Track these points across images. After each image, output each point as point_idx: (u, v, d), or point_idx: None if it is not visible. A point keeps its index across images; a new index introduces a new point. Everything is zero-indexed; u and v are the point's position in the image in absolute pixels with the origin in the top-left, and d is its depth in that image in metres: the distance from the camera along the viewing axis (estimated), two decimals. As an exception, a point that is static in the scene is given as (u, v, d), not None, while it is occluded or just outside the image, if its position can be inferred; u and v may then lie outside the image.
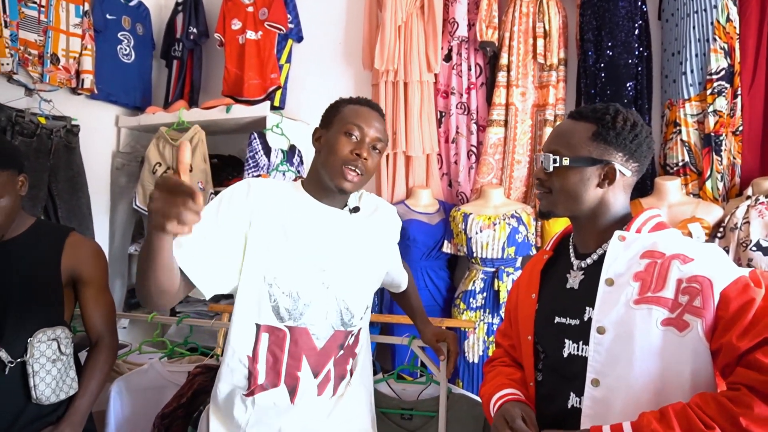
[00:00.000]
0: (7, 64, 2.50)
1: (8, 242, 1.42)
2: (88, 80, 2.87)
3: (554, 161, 1.04)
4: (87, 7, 2.88)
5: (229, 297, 1.31)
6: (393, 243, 1.41)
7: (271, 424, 1.16)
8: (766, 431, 0.78)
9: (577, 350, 1.01)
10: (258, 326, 1.17)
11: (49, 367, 1.37)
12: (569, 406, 1.00)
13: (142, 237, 3.17)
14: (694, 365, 0.90)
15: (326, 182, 1.21)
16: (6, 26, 2.51)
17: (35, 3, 2.65)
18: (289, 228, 1.19)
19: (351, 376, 1.26)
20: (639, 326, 0.93)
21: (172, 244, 0.98)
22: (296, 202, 1.23)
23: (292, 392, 1.17)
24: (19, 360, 1.36)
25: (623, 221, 1.06)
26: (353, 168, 1.18)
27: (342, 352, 1.23)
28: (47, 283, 1.43)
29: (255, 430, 1.16)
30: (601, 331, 0.97)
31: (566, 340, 1.03)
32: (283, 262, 1.17)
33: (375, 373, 1.70)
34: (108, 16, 3.06)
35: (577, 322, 1.02)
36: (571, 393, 1.00)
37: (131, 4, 3.20)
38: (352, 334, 1.25)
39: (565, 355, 1.02)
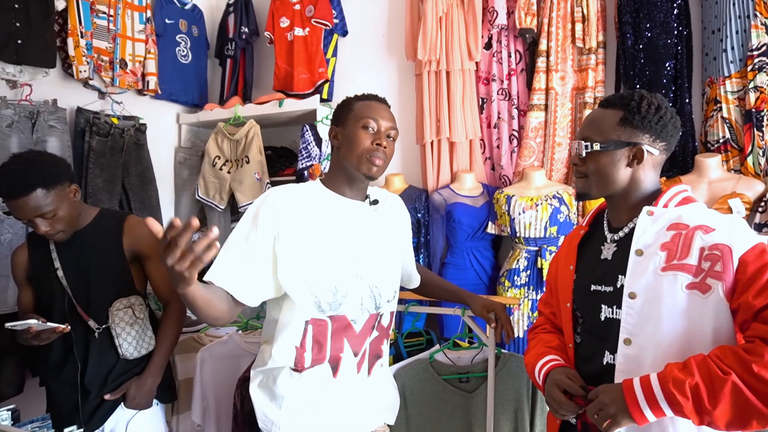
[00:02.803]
0: (85, 71, 2.76)
1: (79, 233, 1.68)
2: (153, 82, 3.12)
3: (586, 147, 1.15)
4: (149, 14, 3.12)
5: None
6: (405, 232, 1.51)
7: (311, 396, 1.29)
8: (776, 375, 0.89)
9: (612, 314, 1.13)
10: (306, 321, 1.27)
11: (129, 329, 1.64)
12: (604, 363, 1.13)
13: (204, 226, 3.42)
14: (716, 323, 1.01)
15: (352, 173, 1.31)
16: (82, 36, 2.76)
17: (105, 13, 2.90)
18: (319, 229, 1.28)
19: (383, 357, 1.39)
20: (666, 290, 1.04)
21: (201, 287, 1.07)
22: (322, 202, 1.32)
23: (335, 368, 1.30)
24: (104, 326, 1.63)
25: (653, 197, 1.16)
26: (377, 156, 1.29)
27: (377, 333, 1.36)
28: (115, 261, 1.68)
29: (294, 400, 1.29)
30: (632, 296, 1.09)
31: (602, 306, 1.15)
32: (319, 262, 1.27)
33: (432, 343, 1.86)
34: (167, 21, 3.29)
35: (611, 289, 1.14)
36: (606, 351, 1.13)
37: (186, 7, 3.42)
38: (383, 315, 1.38)
39: (602, 318, 1.15)
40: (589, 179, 1.18)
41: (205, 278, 1.22)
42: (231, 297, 1.20)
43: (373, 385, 1.38)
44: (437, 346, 1.76)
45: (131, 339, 1.64)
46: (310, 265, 1.26)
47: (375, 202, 1.40)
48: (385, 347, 1.41)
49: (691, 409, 0.94)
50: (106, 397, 1.62)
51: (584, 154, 1.16)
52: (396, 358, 1.86)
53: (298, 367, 1.28)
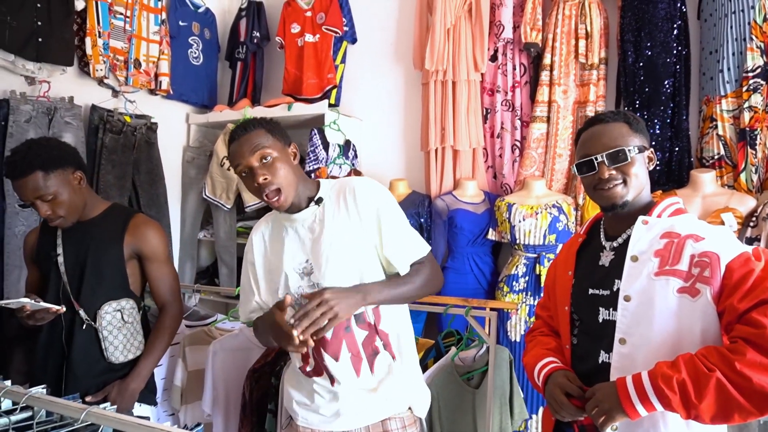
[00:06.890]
0: (101, 69, 2.84)
1: (85, 223, 1.71)
2: (165, 82, 3.20)
3: (631, 150, 1.21)
4: (164, 16, 3.20)
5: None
6: (365, 217, 1.34)
7: (326, 406, 1.38)
8: (756, 372, 0.96)
9: (609, 315, 1.20)
10: None
11: (116, 333, 1.65)
12: (600, 362, 1.20)
13: (210, 224, 3.49)
14: (704, 325, 1.08)
15: None
16: (99, 36, 2.84)
17: (122, 14, 2.98)
18: (271, 256, 1.39)
19: (388, 351, 1.38)
20: (658, 294, 1.12)
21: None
22: (273, 228, 1.42)
23: (331, 379, 1.36)
24: (92, 325, 1.64)
25: (647, 208, 1.25)
26: (267, 195, 1.30)
27: (365, 332, 1.36)
28: (112, 257, 1.69)
29: (318, 405, 1.38)
30: (627, 299, 1.16)
31: (600, 308, 1.22)
32: (282, 284, 1.36)
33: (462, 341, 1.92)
34: (180, 23, 3.37)
35: (608, 292, 1.21)
36: (602, 351, 1.20)
37: (200, 10, 3.51)
38: (356, 314, 1.35)
39: (600, 320, 1.22)
40: (629, 183, 1.23)
41: (241, 321, 1.45)
42: None
43: (382, 379, 1.38)
44: (453, 349, 1.83)
45: (118, 343, 1.64)
46: (278, 286, 1.37)
47: (318, 201, 1.36)
48: (383, 343, 1.38)
49: (679, 403, 1.02)
50: (88, 399, 1.60)
51: (629, 159, 1.21)
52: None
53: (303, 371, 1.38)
